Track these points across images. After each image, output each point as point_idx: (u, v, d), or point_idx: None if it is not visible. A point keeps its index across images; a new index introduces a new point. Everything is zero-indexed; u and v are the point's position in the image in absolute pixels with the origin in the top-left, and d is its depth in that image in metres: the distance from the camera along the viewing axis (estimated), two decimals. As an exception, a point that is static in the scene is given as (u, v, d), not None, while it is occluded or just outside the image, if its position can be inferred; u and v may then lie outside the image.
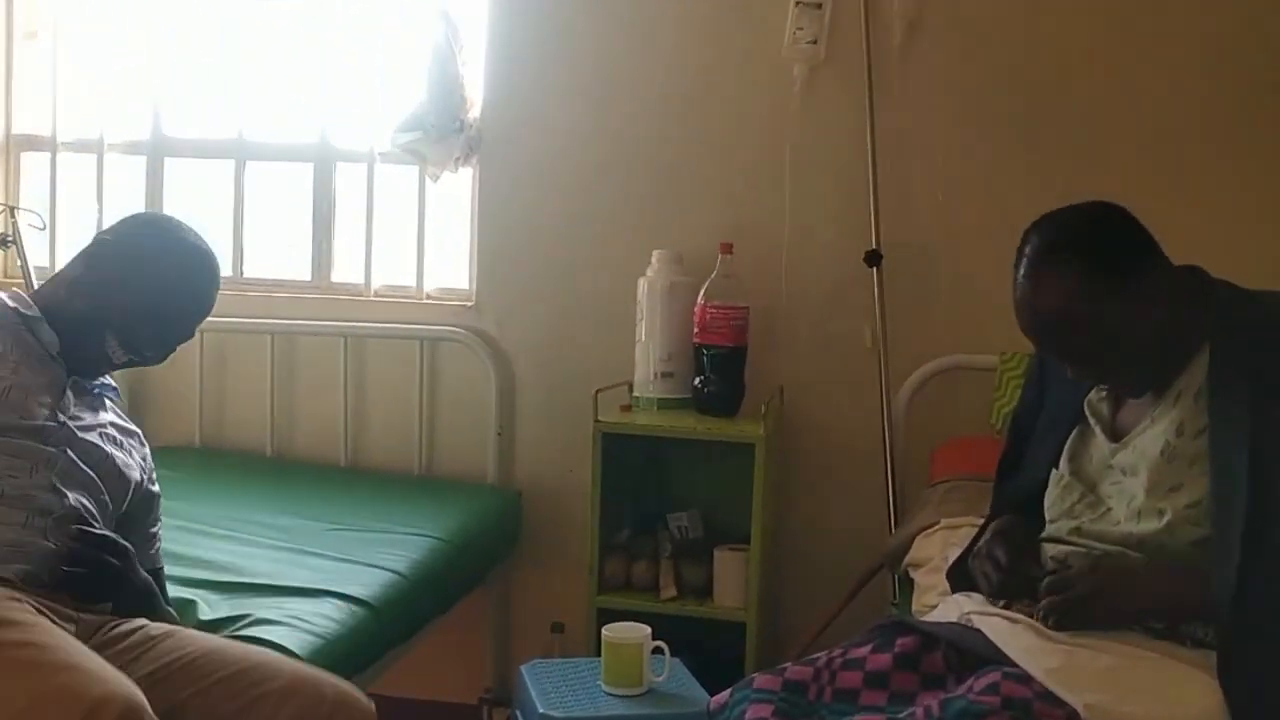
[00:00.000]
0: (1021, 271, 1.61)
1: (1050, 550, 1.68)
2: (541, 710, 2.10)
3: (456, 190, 3.12)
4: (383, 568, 2.30)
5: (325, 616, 2.02)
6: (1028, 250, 1.62)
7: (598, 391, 2.69)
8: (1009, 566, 1.64)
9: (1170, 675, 1.46)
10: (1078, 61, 2.77)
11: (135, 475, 1.90)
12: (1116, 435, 1.67)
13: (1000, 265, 2.62)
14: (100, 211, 3.27)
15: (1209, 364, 1.57)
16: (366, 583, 2.20)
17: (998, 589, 1.64)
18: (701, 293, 2.73)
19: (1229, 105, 2.69)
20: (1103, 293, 1.55)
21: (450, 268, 3.16)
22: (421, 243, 3.14)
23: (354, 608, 2.10)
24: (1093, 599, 1.53)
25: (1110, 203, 1.63)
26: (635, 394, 2.82)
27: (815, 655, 1.65)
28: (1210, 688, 1.43)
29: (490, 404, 3.04)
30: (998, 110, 2.78)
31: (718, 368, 2.71)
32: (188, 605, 1.97)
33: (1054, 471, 1.73)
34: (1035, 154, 2.77)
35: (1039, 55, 2.77)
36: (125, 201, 3.27)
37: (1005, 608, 1.63)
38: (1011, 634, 1.55)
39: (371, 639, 2.11)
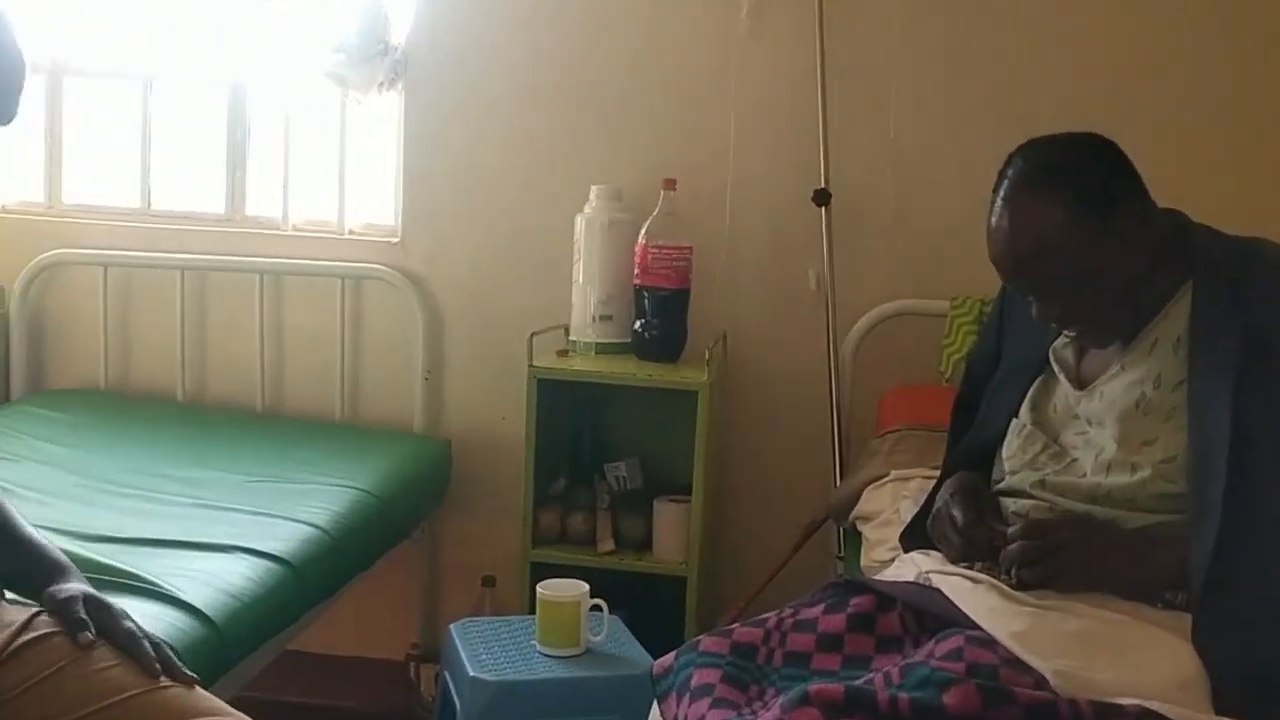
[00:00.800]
0: (1001, 195, 1.54)
1: (1012, 505, 1.62)
2: (473, 673, 1.99)
3: (381, 119, 2.95)
4: (303, 522, 2.17)
5: (241, 575, 1.90)
6: (1010, 174, 1.54)
7: (533, 335, 2.57)
8: (966, 527, 1.57)
9: (1142, 639, 1.40)
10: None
11: None
12: (1082, 383, 1.61)
13: (952, 206, 2.70)
14: (-9, 135, 3.04)
15: (1190, 312, 1.50)
16: (285, 538, 2.08)
17: (960, 552, 1.58)
18: (643, 231, 2.62)
19: (1193, 33, 2.62)
20: (1086, 227, 1.48)
21: (374, 201, 3.00)
22: (343, 174, 2.97)
23: (272, 565, 1.98)
24: (1065, 551, 1.47)
25: (1101, 135, 1.56)
26: (572, 338, 2.72)
27: (764, 616, 1.58)
28: (1184, 651, 1.38)
29: (417, 347, 2.91)
30: (952, 44, 2.70)
31: (659, 311, 2.62)
32: (84, 565, 1.79)
33: (1014, 421, 1.66)
34: (992, 89, 2.69)
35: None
36: (23, 126, 3.04)
37: (968, 567, 1.56)
38: (973, 594, 1.48)
39: (291, 598, 1.99)
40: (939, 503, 1.65)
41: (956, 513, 1.59)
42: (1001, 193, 1.53)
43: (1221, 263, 1.51)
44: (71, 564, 1.48)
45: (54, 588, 1.42)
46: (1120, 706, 1.29)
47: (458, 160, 2.89)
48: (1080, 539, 1.48)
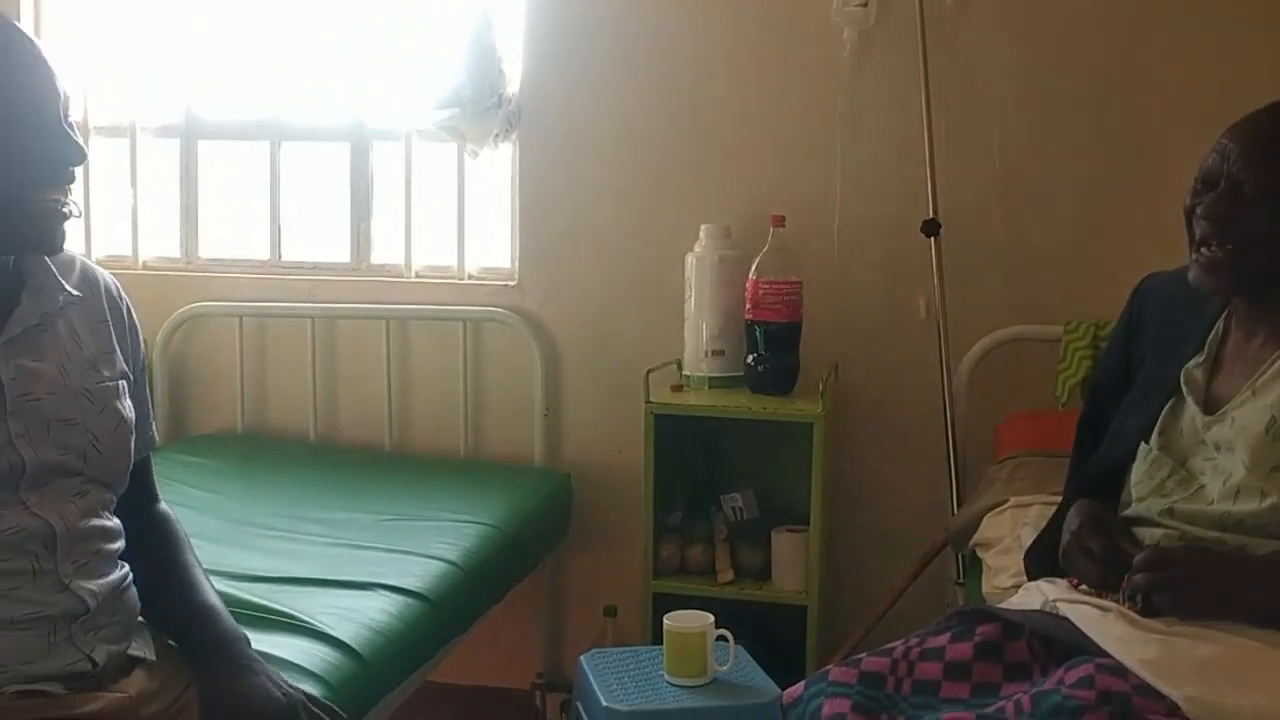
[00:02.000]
0: (1262, 109, 1.53)
1: (1143, 535, 1.60)
2: (605, 704, 2.04)
3: (496, 167, 3.06)
4: (436, 558, 2.25)
5: (383, 610, 1.98)
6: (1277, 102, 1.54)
7: (649, 372, 2.63)
8: (1104, 557, 1.55)
9: (1276, 665, 1.38)
10: (1142, 19, 2.67)
11: (129, 415, 1.49)
12: (1210, 408, 1.58)
13: (1060, 232, 2.70)
14: (135, 198, 3.23)
15: None
16: (420, 574, 2.16)
17: (1098, 581, 1.56)
18: (753, 267, 2.66)
19: None
20: None
21: (492, 247, 3.10)
22: (462, 222, 3.07)
23: (410, 600, 2.05)
24: (1195, 583, 1.45)
25: None
26: (685, 372, 2.76)
27: (890, 644, 1.59)
28: None
29: (536, 385, 2.99)
30: (1057, 72, 2.69)
31: (771, 344, 2.65)
32: (239, 604, 1.90)
33: (1142, 446, 1.64)
34: (1096, 118, 2.68)
35: (1100, 13, 2.68)
36: (160, 186, 3.23)
37: (1097, 596, 1.55)
38: (1102, 622, 1.47)
39: (429, 632, 2.07)
40: (1067, 534, 1.63)
41: (1093, 544, 1.57)
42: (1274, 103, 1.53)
43: None
44: (242, 634, 1.53)
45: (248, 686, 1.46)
46: None
47: (570, 204, 2.97)
48: (1206, 569, 1.46)
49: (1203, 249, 1.54)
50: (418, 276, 3.11)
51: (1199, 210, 1.53)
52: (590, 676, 2.15)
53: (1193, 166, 1.57)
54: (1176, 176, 1.68)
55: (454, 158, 3.04)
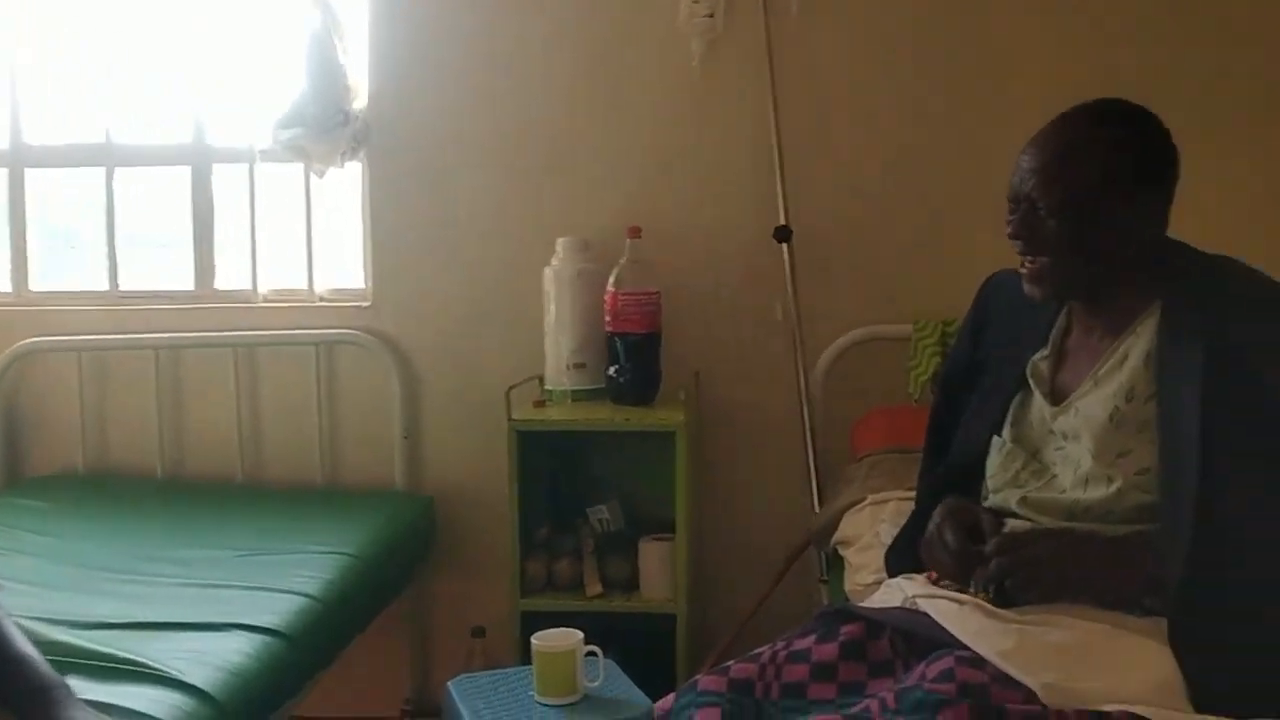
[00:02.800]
0: (1051, 122, 1.56)
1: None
2: (475, 729, 1.99)
3: (346, 183, 2.98)
4: (294, 592, 2.18)
5: (239, 651, 1.90)
6: (1077, 108, 1.56)
7: (510, 389, 2.59)
8: (958, 550, 1.58)
9: (1123, 646, 1.42)
10: (980, 22, 2.74)
11: None
12: (1056, 399, 1.63)
13: (908, 234, 2.75)
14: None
15: (1158, 327, 1.53)
16: (278, 611, 2.08)
17: (954, 574, 1.59)
18: (611, 279, 2.65)
19: (1156, 62, 2.63)
20: (1118, 171, 1.50)
21: (343, 267, 3.02)
22: (310, 243, 2.99)
23: (268, 639, 1.98)
24: (1041, 566, 1.49)
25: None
26: (547, 387, 2.74)
27: (758, 650, 1.59)
28: (1163, 656, 1.40)
29: (394, 407, 2.93)
30: (899, 75, 2.75)
31: (632, 356, 2.65)
32: (83, 654, 1.80)
33: (996, 439, 1.68)
34: (937, 119, 2.74)
35: (940, 17, 2.74)
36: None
37: (957, 590, 1.58)
38: (960, 616, 1.50)
39: (289, 670, 2.00)
40: (931, 527, 1.65)
41: (949, 536, 1.59)
42: (1052, 121, 1.55)
43: (1191, 278, 1.53)
44: (61, 681, 1.49)
45: None
46: (1107, 714, 1.31)
47: (424, 220, 2.92)
48: (1055, 551, 1.49)
49: (1023, 264, 1.60)
50: (266, 301, 3.01)
51: (1009, 230, 1.58)
52: (458, 702, 2.09)
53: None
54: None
55: (301, 177, 2.96)
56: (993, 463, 1.67)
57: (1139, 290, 1.56)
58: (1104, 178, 1.50)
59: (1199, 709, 1.35)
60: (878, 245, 2.77)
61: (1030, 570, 1.48)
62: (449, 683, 2.18)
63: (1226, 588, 1.41)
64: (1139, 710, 1.31)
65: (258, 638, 1.97)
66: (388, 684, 2.96)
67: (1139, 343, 1.55)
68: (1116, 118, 1.54)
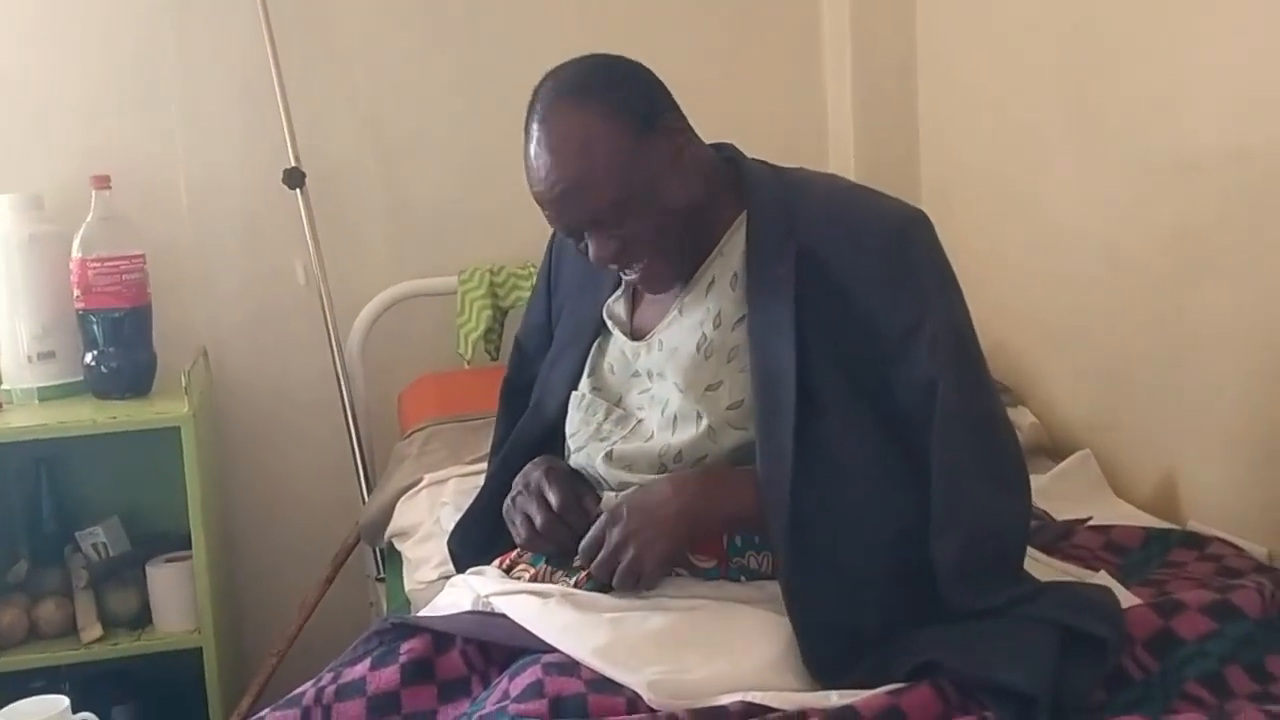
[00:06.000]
0: (536, 121, 1.41)
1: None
2: None
3: None
4: None
5: None
6: (541, 101, 1.41)
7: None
8: (565, 504, 1.39)
9: (731, 623, 1.30)
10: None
11: None
12: (638, 335, 1.50)
13: (446, 178, 2.49)
14: None
15: (745, 246, 1.43)
16: None
17: (558, 539, 1.39)
18: (76, 244, 2.25)
19: None
20: (630, 137, 1.36)
21: None
22: None
23: None
24: (629, 544, 1.32)
25: (629, 58, 1.46)
26: (5, 386, 2.31)
27: (300, 690, 1.31)
28: (773, 624, 1.29)
29: None
30: (414, 6, 2.51)
31: (114, 337, 2.29)
32: None
33: (574, 394, 1.53)
34: (466, 53, 2.53)
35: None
36: None
37: (541, 579, 1.40)
38: (544, 612, 1.32)
39: None
40: (522, 481, 1.46)
41: (552, 494, 1.40)
42: (535, 120, 1.40)
43: (773, 193, 1.45)
44: None
45: None
46: (723, 708, 1.18)
47: None
48: (636, 506, 1.34)
49: (626, 275, 1.46)
50: None
51: (595, 262, 1.42)
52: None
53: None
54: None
55: None
56: (573, 420, 1.51)
57: (720, 209, 1.46)
58: (626, 158, 1.36)
59: (818, 677, 1.25)
60: (410, 192, 2.55)
61: (625, 560, 1.32)
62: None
63: (834, 529, 1.31)
64: (755, 698, 1.20)
65: None
66: None
67: (725, 264, 1.45)
68: (579, 92, 1.40)
